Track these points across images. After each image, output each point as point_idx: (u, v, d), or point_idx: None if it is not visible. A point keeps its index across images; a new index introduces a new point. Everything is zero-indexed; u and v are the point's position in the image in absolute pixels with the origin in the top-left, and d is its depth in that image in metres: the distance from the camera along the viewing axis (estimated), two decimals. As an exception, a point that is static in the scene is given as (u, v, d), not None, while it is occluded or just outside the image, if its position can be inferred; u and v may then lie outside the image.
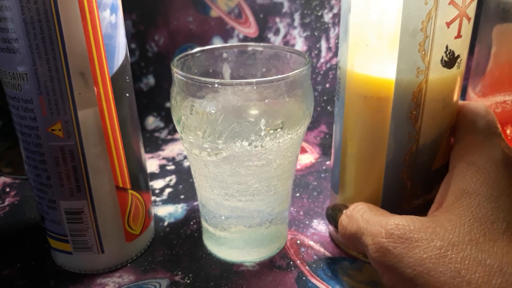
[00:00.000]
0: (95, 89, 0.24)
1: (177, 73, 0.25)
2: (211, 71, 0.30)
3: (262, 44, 0.30)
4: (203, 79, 0.24)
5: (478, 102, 0.27)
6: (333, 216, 0.27)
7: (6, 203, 0.37)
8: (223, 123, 0.24)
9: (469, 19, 0.23)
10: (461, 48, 0.24)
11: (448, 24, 0.22)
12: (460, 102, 0.27)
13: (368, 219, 0.23)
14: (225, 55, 0.30)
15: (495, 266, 0.19)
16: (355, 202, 0.28)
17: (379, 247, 0.22)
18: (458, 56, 0.24)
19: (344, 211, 0.26)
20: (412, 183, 0.26)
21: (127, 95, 0.27)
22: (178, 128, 0.27)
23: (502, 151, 0.23)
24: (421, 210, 0.27)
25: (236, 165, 0.25)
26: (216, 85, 0.23)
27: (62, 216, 0.27)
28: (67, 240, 0.28)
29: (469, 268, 0.19)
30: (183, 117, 0.25)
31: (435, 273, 0.20)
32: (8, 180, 0.41)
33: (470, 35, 0.24)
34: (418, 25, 0.22)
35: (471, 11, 0.23)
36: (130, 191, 0.28)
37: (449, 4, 0.22)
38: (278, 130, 0.24)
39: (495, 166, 0.22)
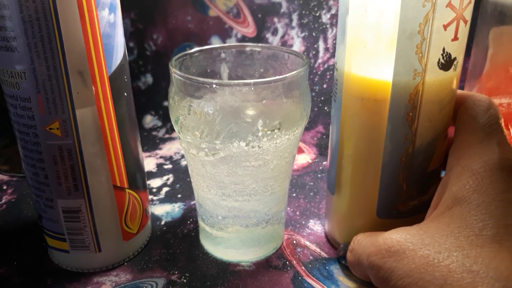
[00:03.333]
0: (93, 88, 0.24)
1: (175, 73, 0.25)
2: (209, 71, 0.30)
3: (260, 44, 0.30)
4: (201, 79, 0.24)
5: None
6: (344, 258, 0.28)
7: (3, 200, 0.37)
8: (220, 124, 0.24)
9: (465, 21, 0.23)
10: (457, 51, 0.24)
11: (445, 27, 0.23)
12: (463, 92, 0.26)
13: (363, 245, 0.24)
14: (223, 55, 0.30)
15: (480, 271, 0.19)
16: (352, 207, 0.29)
17: (372, 265, 0.22)
18: (455, 59, 0.24)
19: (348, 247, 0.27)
20: (408, 185, 0.26)
21: (125, 94, 0.27)
22: (176, 128, 0.27)
23: (499, 153, 0.23)
24: (417, 211, 0.28)
25: (234, 165, 0.25)
26: (214, 86, 0.23)
27: (59, 215, 0.27)
28: (64, 238, 0.28)
29: (455, 275, 0.19)
30: (181, 117, 0.25)
31: (423, 283, 0.20)
32: (5, 177, 0.41)
33: (467, 38, 0.24)
34: (415, 28, 0.22)
35: (468, 14, 0.23)
36: (127, 190, 0.28)
37: (446, 6, 0.22)
38: (276, 131, 0.25)
39: (490, 170, 0.22)
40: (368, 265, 0.23)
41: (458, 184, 0.22)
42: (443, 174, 0.27)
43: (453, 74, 0.24)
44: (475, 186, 0.22)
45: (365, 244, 0.24)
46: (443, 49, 0.23)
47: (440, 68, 0.24)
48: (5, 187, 0.39)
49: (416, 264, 0.20)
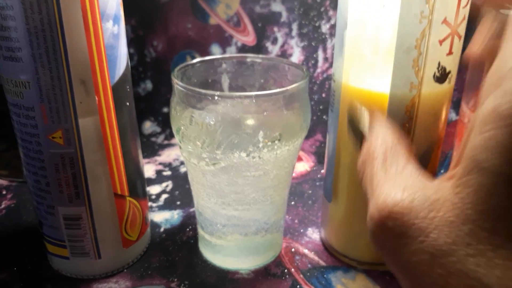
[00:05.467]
0: (96, 98, 0.25)
1: (178, 84, 0.26)
2: (210, 81, 0.30)
3: (261, 55, 0.30)
4: (203, 91, 0.24)
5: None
6: (356, 134, 0.23)
7: (3, 206, 0.37)
8: (222, 134, 0.24)
9: (460, 37, 0.24)
10: (452, 64, 0.24)
11: (441, 42, 0.23)
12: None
13: (374, 183, 0.20)
14: (224, 65, 0.30)
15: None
16: (349, 214, 0.29)
17: (372, 233, 0.19)
18: (449, 72, 0.25)
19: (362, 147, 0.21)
20: (404, 194, 0.27)
21: (127, 103, 0.27)
22: (177, 138, 0.27)
23: None
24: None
25: (234, 175, 0.26)
26: (216, 97, 0.24)
27: (60, 222, 0.27)
28: (65, 245, 0.28)
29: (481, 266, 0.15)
30: (182, 127, 0.26)
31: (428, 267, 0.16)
32: (4, 182, 0.41)
33: (460, 52, 0.25)
34: (412, 43, 0.23)
35: (462, 29, 0.24)
36: (128, 198, 0.28)
37: (442, 23, 0.23)
38: (276, 142, 0.25)
39: None
40: (369, 225, 0.19)
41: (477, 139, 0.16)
42: None
43: (448, 86, 0.25)
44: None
45: (375, 185, 0.20)
46: (439, 63, 0.24)
47: (436, 81, 0.24)
48: (4, 192, 0.40)
49: (419, 246, 0.16)
